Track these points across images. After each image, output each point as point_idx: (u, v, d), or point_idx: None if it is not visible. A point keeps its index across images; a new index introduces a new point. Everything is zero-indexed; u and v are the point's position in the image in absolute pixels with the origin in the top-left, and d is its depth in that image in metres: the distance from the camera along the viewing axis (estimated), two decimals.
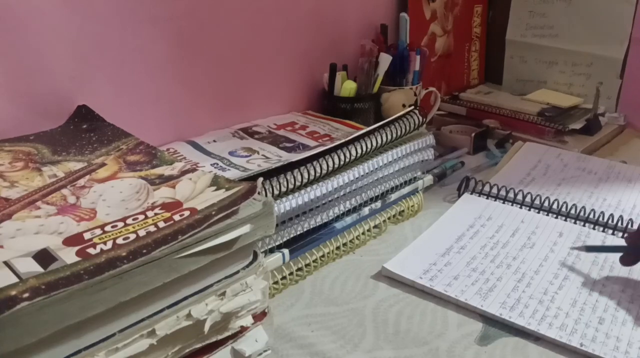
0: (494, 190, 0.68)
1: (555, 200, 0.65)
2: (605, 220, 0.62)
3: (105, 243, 0.33)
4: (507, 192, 0.67)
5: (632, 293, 0.51)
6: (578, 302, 0.50)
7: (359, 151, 0.55)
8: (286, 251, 0.50)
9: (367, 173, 0.56)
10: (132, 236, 0.33)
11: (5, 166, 0.43)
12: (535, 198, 0.66)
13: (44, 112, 0.54)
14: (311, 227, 0.53)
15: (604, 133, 0.90)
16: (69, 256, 0.31)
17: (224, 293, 0.37)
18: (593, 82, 0.98)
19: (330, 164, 0.52)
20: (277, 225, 0.43)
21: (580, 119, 0.90)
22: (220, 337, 0.38)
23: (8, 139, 0.49)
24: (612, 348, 0.44)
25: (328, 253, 0.55)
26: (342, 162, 0.53)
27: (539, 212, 0.65)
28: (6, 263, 0.30)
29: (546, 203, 0.65)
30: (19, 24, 0.52)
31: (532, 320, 0.47)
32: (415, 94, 0.83)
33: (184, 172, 0.43)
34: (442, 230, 0.62)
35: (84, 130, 0.52)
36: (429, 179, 0.68)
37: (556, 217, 0.64)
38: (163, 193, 0.40)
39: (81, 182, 0.42)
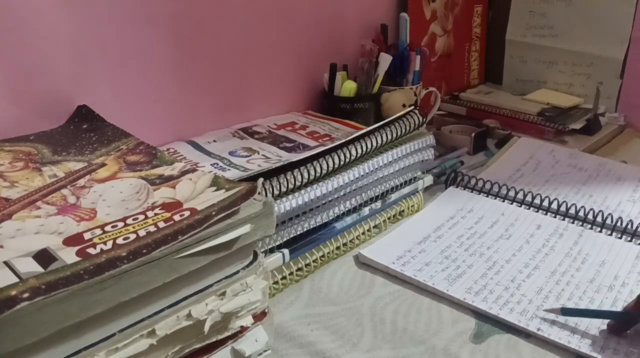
0: (479, 184, 0.69)
1: (538, 194, 0.65)
2: (585, 214, 0.62)
3: (105, 243, 0.33)
4: (492, 186, 0.68)
5: (599, 283, 0.52)
6: (543, 290, 0.51)
7: (359, 151, 0.55)
8: (286, 251, 0.50)
9: (367, 173, 0.56)
10: (132, 236, 0.33)
11: (6, 166, 0.43)
12: (518, 192, 0.66)
13: (44, 112, 0.54)
14: (311, 227, 0.53)
15: (604, 133, 0.90)
16: (69, 256, 0.31)
17: (224, 293, 0.37)
18: (593, 82, 0.98)
19: (330, 164, 0.52)
20: (277, 225, 0.43)
21: (580, 119, 0.90)
22: (220, 337, 0.38)
23: (8, 139, 0.49)
24: (568, 334, 0.45)
25: (328, 253, 0.55)
26: (342, 162, 0.53)
27: (520, 206, 0.65)
28: (6, 263, 0.30)
29: (529, 198, 0.66)
30: (19, 24, 0.52)
31: (494, 305, 0.48)
32: (415, 94, 0.83)
33: (184, 173, 0.43)
34: (422, 220, 0.63)
35: (84, 130, 0.52)
36: (429, 178, 0.68)
37: (537, 211, 0.64)
38: (163, 194, 0.40)
39: (81, 182, 0.42)
